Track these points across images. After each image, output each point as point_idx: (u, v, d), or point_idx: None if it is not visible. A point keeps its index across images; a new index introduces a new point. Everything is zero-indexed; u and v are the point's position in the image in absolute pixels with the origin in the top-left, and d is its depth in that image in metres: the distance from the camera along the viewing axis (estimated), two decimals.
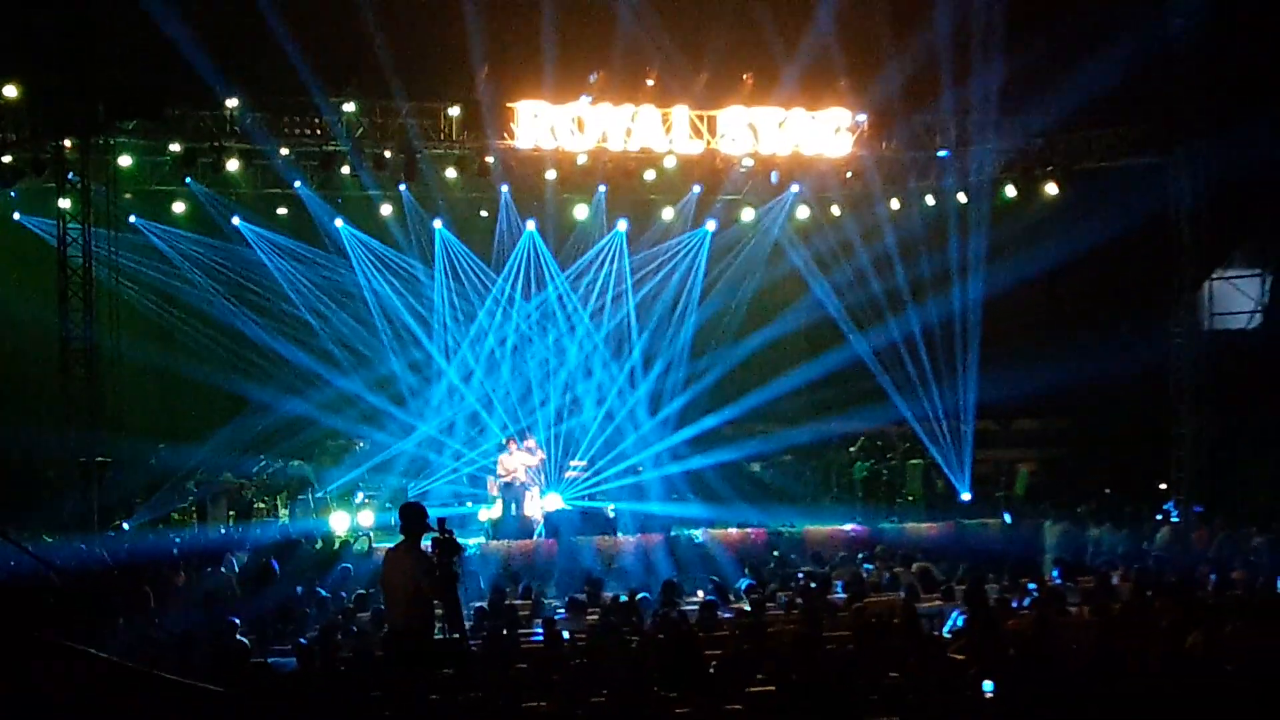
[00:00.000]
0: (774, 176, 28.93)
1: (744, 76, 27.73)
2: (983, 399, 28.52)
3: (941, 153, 28.93)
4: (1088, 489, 26.99)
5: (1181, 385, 26.77)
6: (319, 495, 26.94)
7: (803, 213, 30.56)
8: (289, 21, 24.20)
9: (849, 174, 29.13)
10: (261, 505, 27.12)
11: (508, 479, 26.03)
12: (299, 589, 18.57)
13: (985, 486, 29.23)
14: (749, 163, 28.14)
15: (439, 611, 12.69)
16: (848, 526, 25.77)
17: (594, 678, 12.30)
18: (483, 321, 30.33)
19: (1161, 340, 26.81)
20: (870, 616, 15.45)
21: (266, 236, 28.75)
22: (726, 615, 16.75)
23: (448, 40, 26.12)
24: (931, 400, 28.91)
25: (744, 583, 19.04)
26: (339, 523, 24.74)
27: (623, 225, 30.37)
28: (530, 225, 29.87)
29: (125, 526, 24.44)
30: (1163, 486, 26.99)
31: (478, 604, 17.26)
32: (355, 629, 15.96)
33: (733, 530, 25.16)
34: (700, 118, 27.29)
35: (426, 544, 12.50)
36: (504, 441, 27.25)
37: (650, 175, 28.38)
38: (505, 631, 15.25)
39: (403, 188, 28.25)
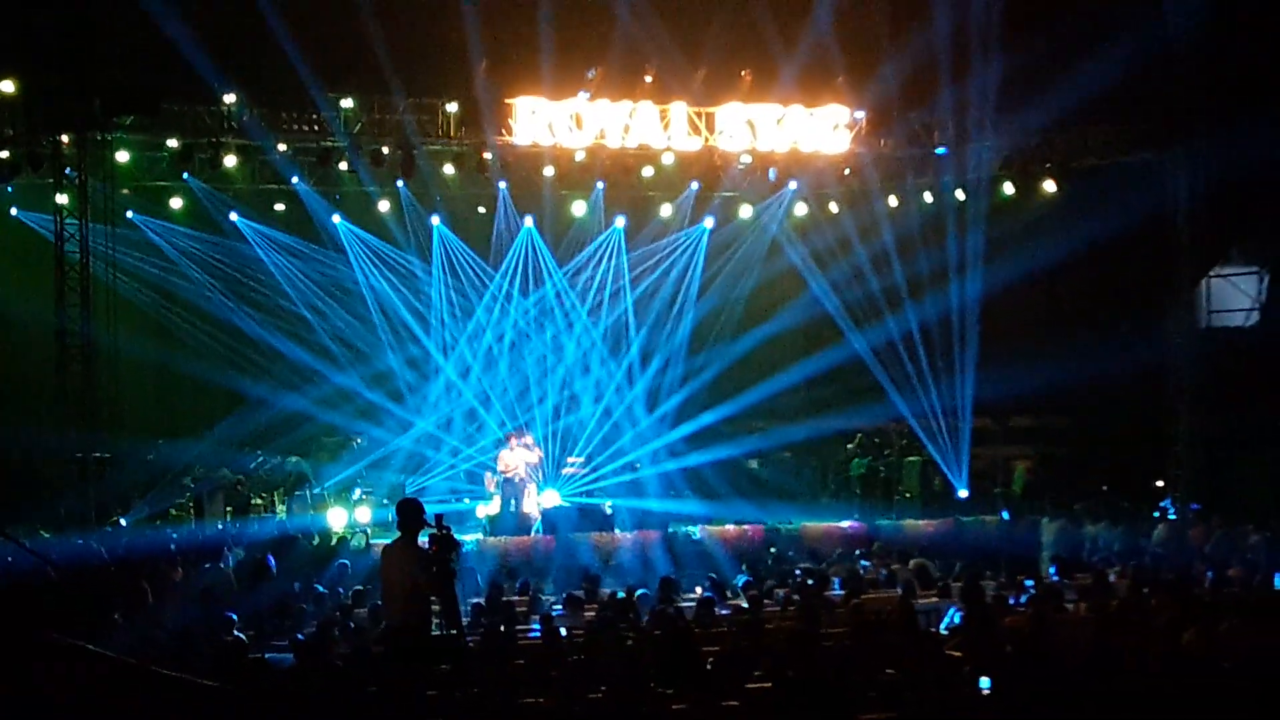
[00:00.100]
0: (772, 173, 28.97)
1: (742, 73, 27.75)
2: (980, 396, 28.52)
3: (939, 150, 28.95)
4: (1085, 486, 27.03)
5: (1179, 383, 26.80)
6: (316, 491, 26.89)
7: (801, 210, 30.57)
8: (287, 17, 24.21)
9: (847, 171, 29.17)
10: (259, 501, 27.11)
11: (508, 475, 26.02)
12: (296, 585, 18.58)
13: (982, 484, 29.24)
14: (747, 159, 28.16)
15: (436, 608, 12.70)
16: (845, 523, 25.76)
17: (591, 674, 12.30)
18: (480, 318, 30.32)
19: (1159, 338, 26.84)
20: (868, 613, 15.47)
21: (264, 232, 28.73)
22: (724, 612, 16.75)
23: (446, 36, 26.15)
24: (929, 397, 28.91)
25: (741, 579, 19.04)
26: (336, 519, 24.72)
27: (620, 222, 30.37)
28: (528, 222, 29.85)
29: (123, 522, 24.41)
30: (1159, 484, 27.00)
31: (475, 600, 17.27)
32: (352, 625, 15.95)
33: (730, 527, 25.16)
34: (698, 114, 27.30)
35: (424, 540, 12.52)
36: (505, 437, 27.26)
37: (648, 172, 28.40)
38: (503, 628, 15.24)
39: (400, 184, 28.23)
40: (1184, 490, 26.21)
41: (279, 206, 28.96)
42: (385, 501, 25.43)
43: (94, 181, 24.74)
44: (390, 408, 29.37)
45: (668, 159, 27.71)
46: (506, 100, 26.53)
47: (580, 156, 27.49)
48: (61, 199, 24.67)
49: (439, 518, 12.67)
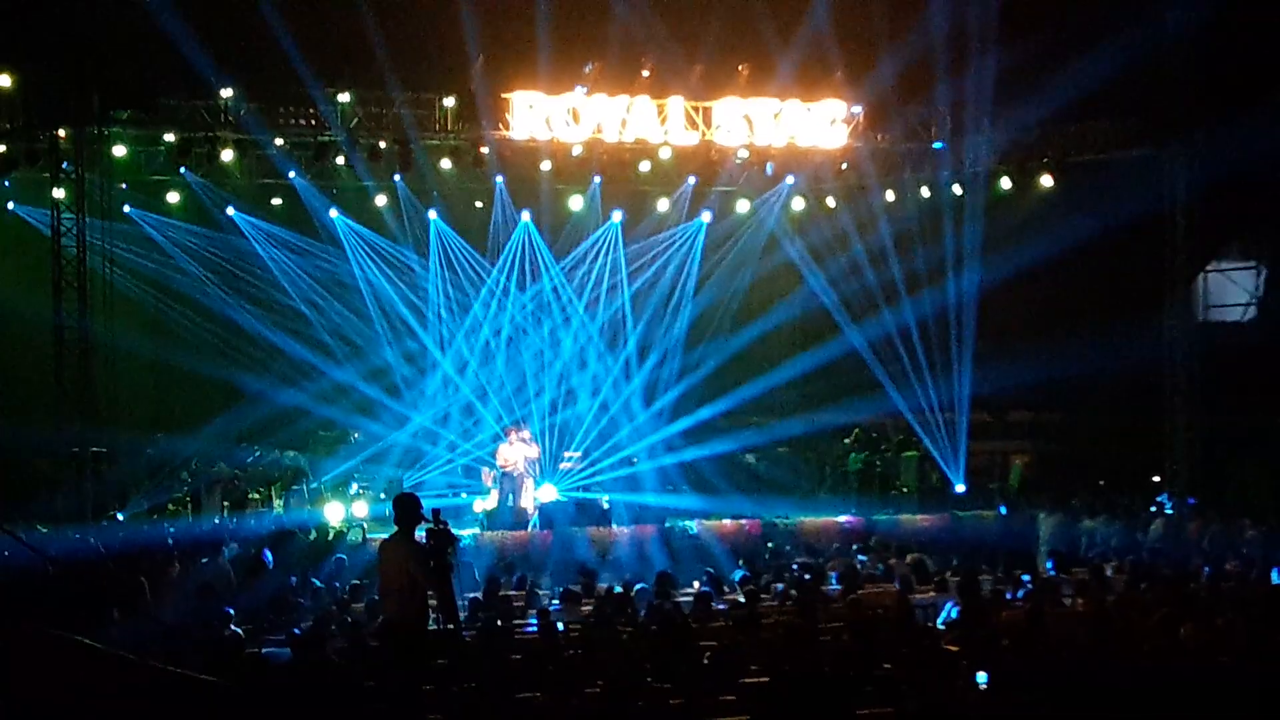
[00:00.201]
0: (769, 168, 28.99)
1: (739, 68, 27.71)
2: (977, 391, 28.52)
3: (937, 144, 28.94)
4: (1082, 481, 27.01)
5: (1176, 377, 26.81)
6: (313, 486, 26.89)
7: (798, 204, 30.58)
8: (284, 12, 24.17)
9: (844, 165, 29.13)
10: (256, 496, 27.06)
11: (506, 469, 26.03)
12: (293, 580, 18.56)
13: (980, 479, 29.25)
14: (744, 154, 28.15)
15: (433, 603, 12.70)
16: (842, 518, 25.73)
17: (588, 669, 12.32)
18: (477, 312, 30.30)
19: (1156, 333, 26.84)
20: (864, 608, 15.48)
21: (261, 227, 28.72)
22: (721, 607, 16.78)
23: (443, 31, 26.11)
24: (926, 392, 28.89)
25: (738, 574, 19.04)
26: (333, 513, 24.70)
27: (618, 216, 30.34)
28: (525, 216, 29.82)
29: (119, 517, 24.41)
30: (1156, 479, 27.01)
31: (472, 595, 17.27)
32: (349, 620, 15.93)
33: (727, 522, 25.12)
34: (695, 109, 27.27)
35: (421, 535, 12.52)
36: (503, 430, 27.27)
37: (645, 166, 28.38)
38: (499, 622, 15.26)
39: (397, 178, 28.20)
40: (1181, 485, 26.22)
41: (276, 201, 28.98)
42: (382, 496, 25.43)
43: (91, 176, 24.73)
44: (387, 402, 29.35)
45: (665, 153, 27.67)
46: (503, 95, 26.50)
47: (577, 151, 27.46)
48: (58, 193, 24.64)
49: (436, 512, 12.67)
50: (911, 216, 29.66)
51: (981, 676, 11.63)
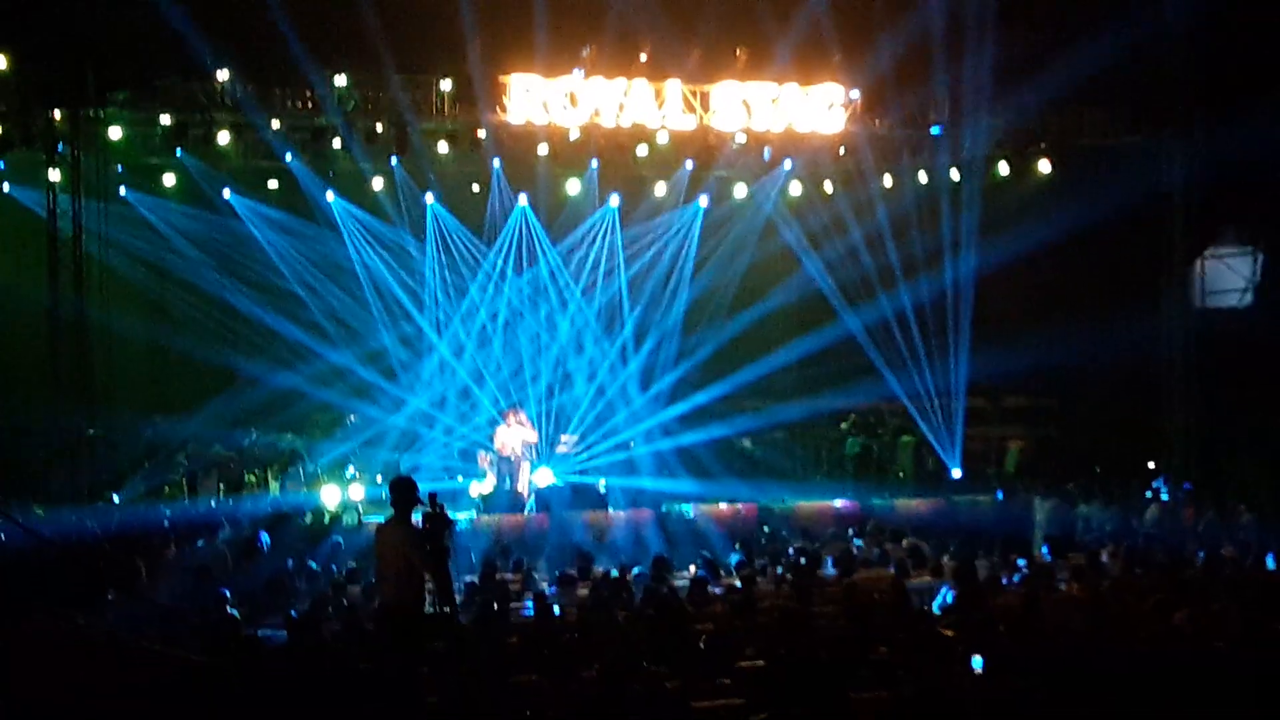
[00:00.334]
0: (767, 152, 28.91)
1: (737, 51, 27.65)
2: (974, 376, 28.55)
3: (935, 130, 28.89)
4: (1078, 466, 27.05)
5: (1172, 363, 26.86)
6: (310, 469, 26.90)
7: (795, 189, 30.51)
8: None
9: (842, 150, 29.06)
10: (252, 478, 27.08)
11: (503, 453, 26.03)
12: (289, 562, 18.57)
13: (976, 464, 29.28)
14: (742, 138, 28.08)
15: (430, 586, 12.70)
16: (838, 503, 25.75)
17: (584, 652, 12.32)
18: (474, 296, 30.26)
19: (1153, 318, 26.86)
20: (860, 593, 15.50)
21: (257, 210, 28.66)
22: (717, 591, 16.78)
23: (440, 13, 26.01)
24: (923, 377, 28.91)
25: (734, 558, 19.06)
26: (329, 496, 24.69)
27: (615, 200, 30.31)
28: (522, 200, 29.78)
29: (115, 499, 24.42)
30: (1151, 465, 27.02)
31: (468, 578, 17.27)
32: (345, 603, 15.96)
33: (723, 506, 25.15)
34: (693, 93, 27.23)
35: (418, 518, 12.53)
36: (501, 413, 27.27)
37: (643, 150, 28.29)
38: (496, 606, 15.26)
39: (394, 161, 28.13)
40: (1177, 470, 26.25)
41: (272, 184, 28.90)
42: (379, 479, 25.43)
43: (87, 158, 24.73)
44: (384, 386, 29.33)
45: (662, 138, 27.61)
46: (501, 78, 26.44)
47: (574, 135, 27.39)
48: (54, 175, 24.64)
49: (433, 496, 12.69)
50: (909, 202, 29.62)
51: (977, 661, 11.65)
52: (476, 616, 14.61)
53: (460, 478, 27.64)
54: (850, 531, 22.34)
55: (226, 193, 28.36)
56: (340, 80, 26.12)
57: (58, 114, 24.57)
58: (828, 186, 30.40)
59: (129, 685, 9.35)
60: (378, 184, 28.85)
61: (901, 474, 29.55)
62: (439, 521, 12.51)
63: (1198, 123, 25.90)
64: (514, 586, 17.31)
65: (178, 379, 29.11)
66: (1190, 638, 12.84)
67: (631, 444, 28.85)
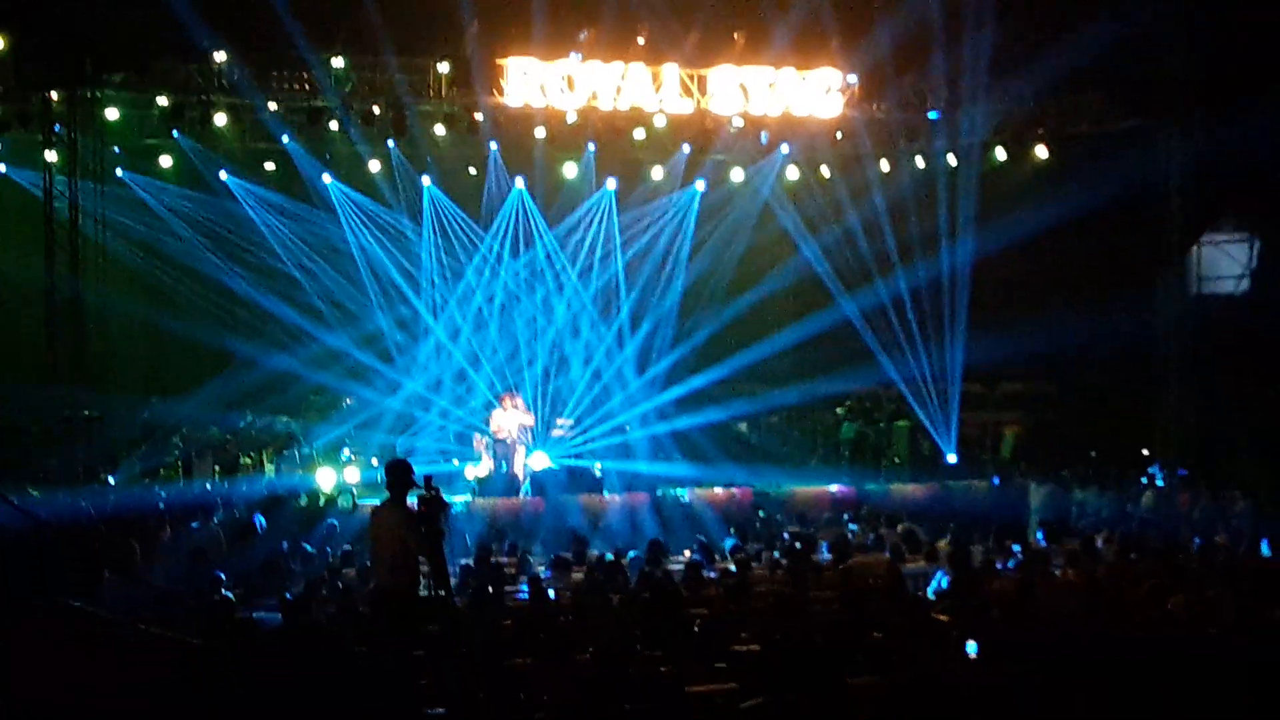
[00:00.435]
0: (764, 137, 28.87)
1: (734, 35, 27.61)
2: (970, 361, 28.54)
3: (932, 115, 28.86)
4: (1074, 452, 27.07)
5: (1168, 349, 26.82)
6: (305, 451, 26.94)
7: (792, 173, 30.48)
8: None
9: (839, 135, 29.01)
10: (247, 461, 27.11)
11: (499, 436, 26.04)
12: (284, 545, 18.57)
13: (971, 449, 29.33)
14: (739, 123, 28.03)
15: (425, 569, 12.71)
16: (833, 487, 25.79)
17: (579, 636, 12.33)
18: (470, 279, 30.25)
19: (1149, 304, 26.84)
20: (855, 577, 15.51)
21: (254, 191, 28.66)
22: (712, 575, 16.79)
23: None
24: (919, 362, 28.94)
25: (729, 543, 19.08)
26: (325, 479, 24.71)
27: (611, 184, 30.29)
28: (519, 183, 29.76)
29: (111, 481, 24.42)
30: (1144, 452, 27.02)
31: (464, 561, 17.28)
32: (340, 585, 15.97)
33: (719, 490, 25.16)
34: (690, 77, 27.17)
35: (413, 501, 12.53)
36: (497, 397, 27.29)
37: (640, 134, 28.27)
38: (491, 589, 15.26)
39: (391, 144, 28.11)
40: (1172, 457, 26.26)
41: (269, 166, 28.91)
42: (374, 462, 25.44)
43: (83, 139, 24.70)
44: (380, 368, 29.34)
45: (659, 121, 27.57)
46: (498, 61, 26.39)
47: (571, 118, 27.33)
48: (51, 156, 24.62)
49: (428, 479, 12.68)
50: (906, 187, 29.64)
51: (972, 646, 11.66)
52: (471, 600, 14.61)
53: (456, 461, 27.67)
54: (845, 516, 22.38)
55: (223, 174, 28.37)
56: (338, 62, 26.06)
57: (54, 95, 24.53)
58: (825, 171, 30.38)
59: (124, 667, 9.35)
60: (374, 166, 28.83)
61: (897, 459, 29.58)
62: (434, 504, 12.48)
63: (1196, 109, 25.85)
64: (509, 570, 17.33)
65: (174, 361, 29.12)
66: (1184, 624, 12.86)
67: (627, 428, 28.87)
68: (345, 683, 11.11)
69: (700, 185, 30.48)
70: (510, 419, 26.14)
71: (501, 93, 26.47)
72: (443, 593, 12.65)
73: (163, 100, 25.90)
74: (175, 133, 26.95)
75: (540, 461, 26.69)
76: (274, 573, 16.85)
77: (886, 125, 29.17)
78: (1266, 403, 25.81)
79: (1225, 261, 28.55)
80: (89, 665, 9.26)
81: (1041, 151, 28.25)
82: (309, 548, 18.56)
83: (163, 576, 16.19)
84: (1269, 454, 25.43)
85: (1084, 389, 28.99)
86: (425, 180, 29.49)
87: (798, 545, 18.61)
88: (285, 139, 27.50)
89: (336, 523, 20.33)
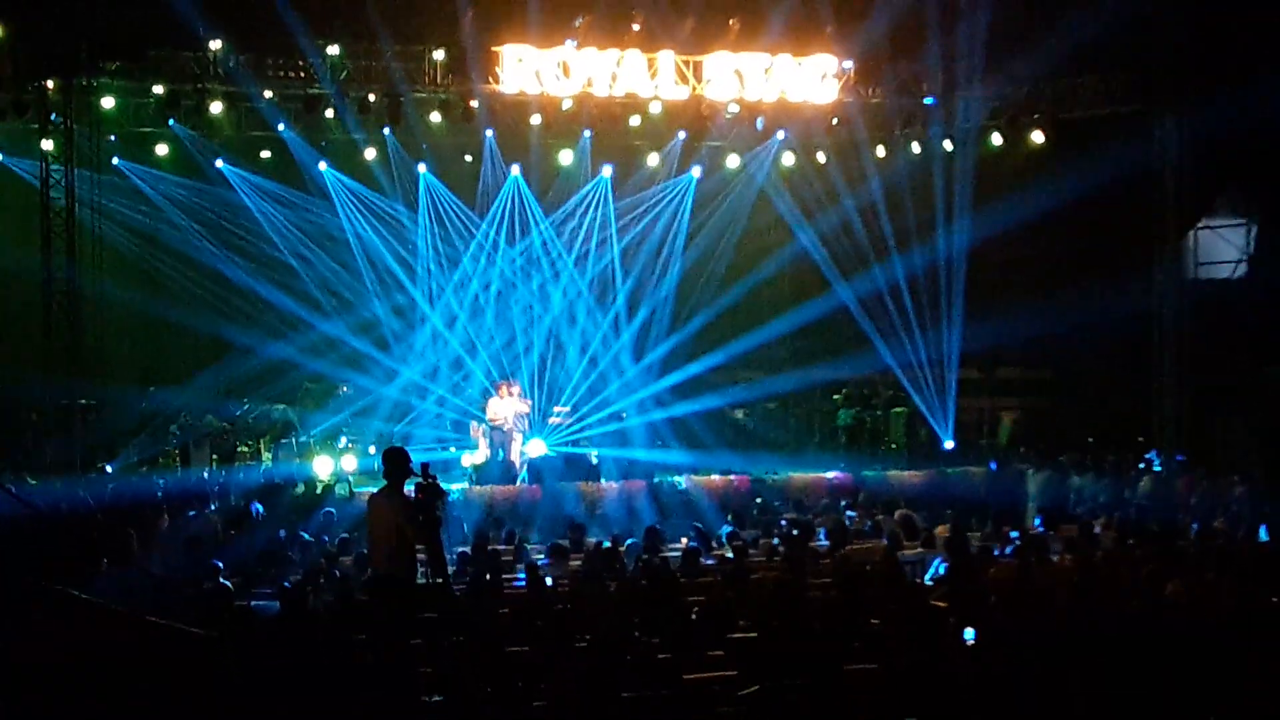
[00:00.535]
0: (759, 123, 28.82)
1: (730, 22, 27.53)
2: (967, 347, 28.54)
3: (928, 100, 28.82)
4: (1071, 438, 27.06)
5: (1165, 334, 26.79)
6: (302, 439, 26.91)
7: (788, 159, 30.45)
8: None
9: (835, 121, 28.97)
10: (244, 449, 27.11)
11: (496, 423, 26.04)
12: (282, 533, 18.57)
13: (968, 435, 29.33)
14: (735, 109, 28.00)
15: (422, 557, 12.71)
16: (831, 474, 25.76)
17: (576, 623, 12.33)
18: (467, 266, 30.25)
19: (1146, 289, 26.81)
20: (853, 564, 15.51)
21: (250, 179, 28.64)
22: (709, 562, 16.80)
23: None
24: (915, 348, 28.93)
25: (726, 529, 19.05)
26: (322, 467, 24.70)
27: (607, 171, 30.27)
28: (515, 170, 29.76)
29: (108, 469, 24.42)
30: (1142, 438, 27.02)
31: (461, 549, 17.29)
32: (338, 573, 15.96)
33: (716, 477, 25.15)
34: (686, 63, 27.12)
35: (410, 489, 12.53)
36: (494, 384, 27.29)
37: (635, 121, 28.27)
38: (488, 577, 15.26)
39: (387, 132, 28.07)
40: (1169, 442, 26.25)
41: (265, 154, 28.88)
42: (371, 450, 25.43)
43: (80, 127, 24.69)
44: (376, 356, 29.33)
45: (655, 108, 27.55)
46: (493, 48, 26.33)
47: (567, 105, 27.32)
48: (47, 145, 24.62)
49: (425, 466, 12.68)
50: (902, 172, 29.58)
51: (969, 632, 11.67)
52: (469, 588, 14.61)
53: (453, 448, 27.68)
54: (843, 503, 22.35)
55: (219, 162, 28.37)
56: (333, 50, 26.01)
57: (51, 84, 24.53)
58: (820, 157, 30.33)
59: (121, 657, 9.34)
60: (370, 154, 28.80)
61: (894, 445, 29.61)
62: (431, 492, 12.49)
63: (1192, 94, 25.81)
64: (506, 557, 17.31)
65: (171, 349, 29.17)
66: (1182, 609, 12.86)
67: (624, 415, 28.87)
68: (343, 671, 11.10)
69: (696, 172, 30.47)
70: (507, 406, 26.13)
71: (497, 80, 26.43)
72: (440, 580, 12.66)
73: (159, 89, 25.86)
74: (171, 121, 26.91)
75: (537, 449, 26.69)
76: (272, 561, 16.85)
77: (882, 111, 29.14)
78: (1264, 387, 25.81)
79: (1222, 246, 28.53)
80: (86, 654, 9.25)
81: (1038, 136, 28.20)
82: (306, 536, 18.52)
83: (160, 565, 16.17)
84: (1267, 439, 25.45)
85: (1081, 374, 29.00)
86: (421, 168, 29.47)
87: (795, 532, 18.60)
88: (281, 127, 27.47)
89: (334, 511, 20.29)
